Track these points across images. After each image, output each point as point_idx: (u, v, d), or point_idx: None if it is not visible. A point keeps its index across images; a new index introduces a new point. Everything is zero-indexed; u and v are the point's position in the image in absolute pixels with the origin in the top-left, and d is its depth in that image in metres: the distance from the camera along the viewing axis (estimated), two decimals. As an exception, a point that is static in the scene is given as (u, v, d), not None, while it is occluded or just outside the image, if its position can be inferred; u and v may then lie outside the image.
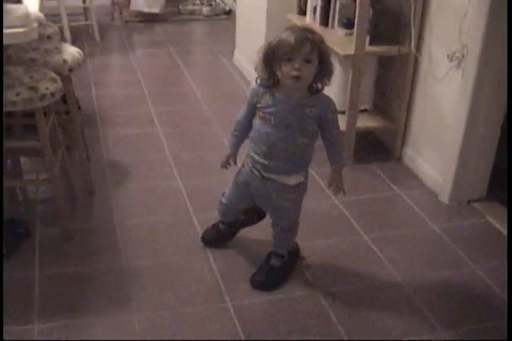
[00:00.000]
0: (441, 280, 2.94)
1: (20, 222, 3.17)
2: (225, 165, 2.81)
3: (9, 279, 2.81)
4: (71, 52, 3.32)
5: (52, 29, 3.50)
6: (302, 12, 4.40)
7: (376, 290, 2.87)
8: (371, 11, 3.61)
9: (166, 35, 6.91)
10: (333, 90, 4.03)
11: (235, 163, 2.81)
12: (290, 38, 2.36)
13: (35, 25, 2.72)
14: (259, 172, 2.65)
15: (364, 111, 4.03)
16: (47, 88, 2.81)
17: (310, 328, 2.62)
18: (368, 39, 3.65)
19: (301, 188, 2.72)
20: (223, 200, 2.93)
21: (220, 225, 3.08)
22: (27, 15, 2.66)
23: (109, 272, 2.92)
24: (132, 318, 2.63)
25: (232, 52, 5.92)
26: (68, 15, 6.21)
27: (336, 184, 2.73)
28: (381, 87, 4.12)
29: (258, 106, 2.57)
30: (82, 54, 3.39)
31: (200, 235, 3.15)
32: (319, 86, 2.51)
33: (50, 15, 5.17)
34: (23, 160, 3.86)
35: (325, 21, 4.10)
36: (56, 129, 3.17)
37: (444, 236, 3.26)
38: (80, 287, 2.81)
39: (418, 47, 3.68)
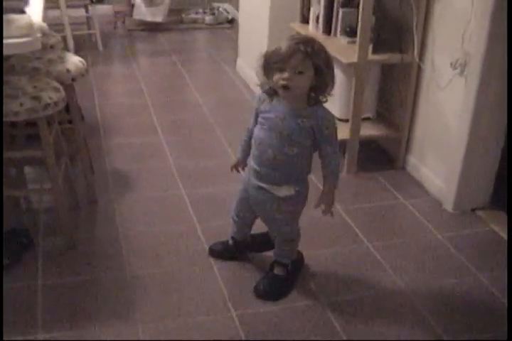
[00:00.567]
0: (446, 288, 2.93)
1: (23, 232, 3.16)
2: (233, 167, 2.85)
3: (12, 289, 2.81)
4: (74, 61, 3.33)
5: (55, 39, 3.50)
6: (305, 20, 4.40)
7: (380, 298, 2.85)
8: (374, 19, 3.62)
9: (168, 44, 6.92)
10: (336, 98, 4.04)
11: (243, 169, 2.82)
12: (283, 47, 2.36)
13: (39, 35, 2.72)
14: (253, 177, 2.66)
15: (367, 119, 4.03)
16: (50, 98, 2.81)
17: (314, 337, 2.60)
18: (370, 47, 3.65)
19: (292, 202, 2.68)
20: (232, 214, 2.92)
21: (230, 241, 3.05)
22: (30, 25, 2.66)
23: (113, 281, 2.91)
24: (136, 329, 2.62)
25: (235, 61, 5.93)
26: (71, 24, 6.23)
27: (325, 205, 2.66)
28: (384, 95, 4.12)
29: (259, 111, 2.59)
30: (85, 63, 3.39)
31: (204, 244, 3.14)
32: (319, 98, 2.49)
33: (53, 24, 5.20)
34: (26, 169, 3.85)
35: (328, 29, 4.11)
36: (59, 139, 3.17)
37: (448, 244, 3.25)
38: (83, 297, 2.80)
39: (421, 55, 3.68)
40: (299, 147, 2.54)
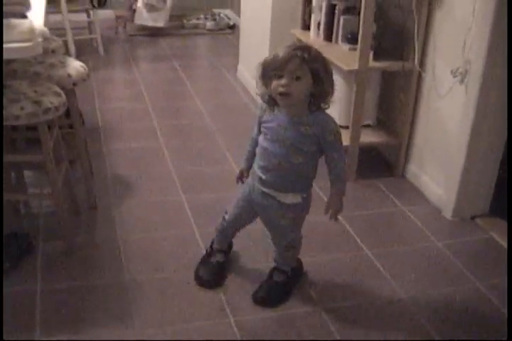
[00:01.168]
0: (445, 296, 2.92)
1: (23, 236, 3.16)
2: (238, 179, 2.84)
3: (12, 293, 2.81)
4: (75, 66, 3.33)
5: (56, 43, 3.51)
6: (306, 27, 4.41)
7: (379, 306, 2.85)
8: (375, 26, 3.63)
9: (169, 49, 6.93)
10: (337, 105, 4.05)
11: (242, 182, 2.82)
12: (279, 54, 2.37)
13: (40, 39, 2.73)
14: (258, 185, 2.65)
15: (367, 126, 4.03)
16: (51, 102, 2.81)
17: (313, 344, 2.61)
18: (371, 54, 3.66)
19: (298, 208, 2.69)
20: (226, 217, 2.89)
21: (217, 255, 3.01)
22: (32, 30, 2.67)
23: (112, 286, 2.91)
24: (135, 334, 2.61)
25: (236, 67, 5.94)
26: (72, 29, 6.24)
27: (332, 210, 2.67)
28: (385, 102, 4.12)
29: (262, 120, 2.58)
30: (86, 68, 3.39)
31: (203, 249, 3.14)
32: (320, 105, 2.48)
33: (55, 29, 5.20)
34: (26, 173, 3.85)
35: (329, 36, 4.12)
36: (59, 143, 3.17)
37: (448, 252, 3.25)
38: (82, 301, 2.80)
39: (422, 63, 3.69)
40: (303, 155, 2.53)
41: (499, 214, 3.53)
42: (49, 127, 2.93)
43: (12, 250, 3.02)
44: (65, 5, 6.03)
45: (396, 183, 3.96)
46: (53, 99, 2.84)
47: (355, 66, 3.62)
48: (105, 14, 7.26)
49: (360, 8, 3.55)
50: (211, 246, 3.05)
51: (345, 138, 3.80)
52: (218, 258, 3.01)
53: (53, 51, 3.45)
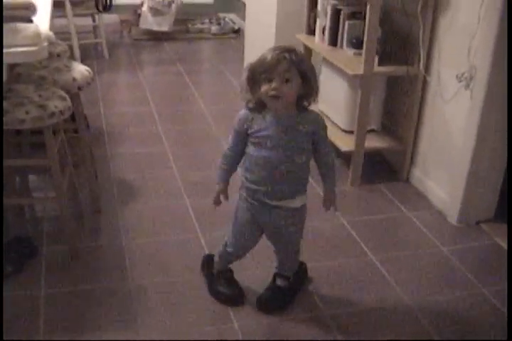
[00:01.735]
0: (450, 302, 2.91)
1: (27, 240, 3.16)
2: (218, 202, 2.70)
3: (15, 297, 2.81)
4: (80, 70, 3.34)
5: (61, 47, 3.51)
6: (311, 32, 4.41)
7: (383, 311, 2.84)
8: (380, 31, 3.62)
9: (174, 54, 6.94)
10: (341, 110, 4.06)
11: (226, 199, 2.70)
12: (267, 57, 2.35)
13: (46, 44, 2.72)
14: (261, 202, 2.58)
15: (372, 131, 4.03)
16: (56, 106, 2.81)
17: (317, 350, 2.60)
18: (376, 59, 3.66)
19: (304, 208, 2.68)
20: (229, 250, 2.78)
21: (228, 274, 2.94)
22: (37, 35, 2.67)
23: (116, 291, 2.91)
24: (138, 338, 2.61)
25: (241, 71, 5.94)
26: (78, 33, 6.26)
27: (331, 202, 2.70)
28: (389, 107, 4.12)
29: (250, 131, 2.49)
30: (91, 72, 3.40)
31: (205, 253, 3.14)
32: (306, 104, 2.49)
33: (60, 33, 5.20)
34: (31, 177, 3.86)
35: (334, 41, 4.11)
36: (64, 147, 3.17)
37: (453, 257, 3.24)
38: (86, 306, 2.80)
39: (427, 68, 3.69)
40: (305, 153, 2.53)
41: (504, 219, 3.52)
42: (54, 131, 2.93)
43: (16, 254, 3.02)
44: (70, 9, 6.05)
45: (401, 188, 3.95)
46: (58, 103, 2.84)
47: (360, 71, 3.62)
48: (110, 18, 7.29)
49: (365, 13, 3.54)
50: (212, 270, 2.95)
51: (350, 143, 3.84)
52: (228, 275, 2.93)
53: (58, 55, 3.44)
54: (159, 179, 3.99)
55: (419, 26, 3.58)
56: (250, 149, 2.53)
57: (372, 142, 3.95)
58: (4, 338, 2.46)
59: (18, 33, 2.63)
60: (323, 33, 4.21)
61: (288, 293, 2.87)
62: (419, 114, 3.84)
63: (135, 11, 7.44)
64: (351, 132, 3.91)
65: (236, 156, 2.61)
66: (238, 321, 2.73)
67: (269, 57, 2.34)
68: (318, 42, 4.28)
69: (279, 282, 2.88)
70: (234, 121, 2.54)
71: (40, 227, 3.41)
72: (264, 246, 2.84)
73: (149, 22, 7.31)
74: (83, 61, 5.69)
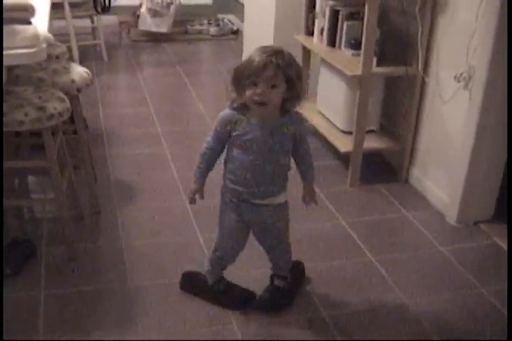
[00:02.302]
0: (448, 302, 2.92)
1: (26, 241, 3.16)
2: (193, 200, 2.68)
3: (14, 299, 2.81)
4: (79, 72, 3.34)
5: (60, 49, 3.50)
6: (310, 33, 4.41)
7: (383, 312, 2.84)
8: (378, 31, 3.63)
9: (173, 55, 6.94)
10: (340, 111, 4.06)
11: (202, 198, 2.68)
12: (254, 60, 2.30)
13: (44, 45, 2.73)
14: (247, 202, 2.58)
15: (371, 131, 4.03)
16: (55, 108, 2.82)
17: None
18: (375, 60, 3.66)
19: (287, 204, 2.69)
20: (218, 254, 2.76)
21: (225, 281, 2.90)
22: (36, 36, 2.67)
23: (115, 292, 2.91)
24: (138, 339, 2.61)
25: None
26: (76, 34, 6.26)
27: (310, 197, 2.72)
28: (388, 107, 4.12)
29: (234, 134, 2.46)
30: (90, 74, 3.40)
31: (206, 255, 3.13)
32: (291, 107, 2.46)
33: (59, 34, 5.22)
34: (30, 179, 3.86)
35: (332, 42, 4.12)
36: (63, 149, 3.17)
37: (451, 257, 3.25)
38: (85, 307, 2.80)
39: (425, 68, 3.69)
40: (287, 154, 2.54)
41: (503, 219, 3.52)
42: (53, 133, 2.94)
43: (15, 255, 3.03)
44: (69, 11, 6.04)
45: (399, 188, 3.96)
46: (57, 105, 2.84)
47: (359, 71, 3.62)
48: (109, 20, 7.28)
49: (363, 14, 3.55)
50: (206, 282, 2.89)
51: (349, 144, 3.84)
52: (223, 284, 2.89)
53: (57, 57, 3.44)
54: (158, 180, 3.99)
55: (417, 27, 3.58)
56: (235, 152, 2.50)
57: (371, 142, 3.96)
58: (4, 339, 2.46)
59: (16, 34, 2.63)
60: (322, 33, 4.22)
61: (287, 293, 2.87)
62: (418, 114, 3.84)
63: (134, 12, 7.44)
64: (350, 133, 3.92)
65: (214, 155, 2.59)
66: (237, 322, 2.73)
67: (256, 60, 2.29)
68: (317, 43, 4.29)
69: (277, 282, 2.88)
70: (216, 120, 2.52)
71: (39, 228, 3.41)
72: (256, 246, 2.84)
73: (148, 23, 7.31)
74: (82, 63, 5.69)
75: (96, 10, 6.40)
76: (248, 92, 2.34)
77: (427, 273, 3.13)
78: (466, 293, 2.98)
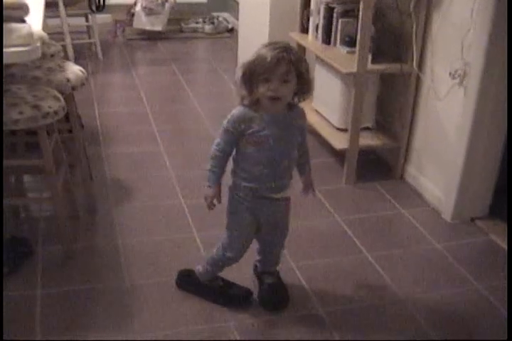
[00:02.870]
0: (445, 298, 2.92)
1: (22, 240, 3.16)
2: (212, 206, 2.59)
3: (11, 298, 2.80)
4: (74, 70, 3.34)
5: (55, 48, 3.51)
6: (304, 30, 4.42)
7: (379, 308, 2.85)
8: (373, 29, 3.63)
9: (168, 53, 6.94)
10: (335, 108, 4.06)
11: (219, 202, 2.59)
12: (266, 57, 2.30)
13: (39, 44, 2.72)
14: (264, 197, 2.57)
15: (366, 129, 4.03)
16: (50, 106, 2.81)
17: (313, 347, 2.60)
18: (370, 57, 3.66)
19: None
20: (229, 255, 2.70)
21: (220, 279, 2.89)
22: (30, 35, 2.67)
23: (112, 291, 2.91)
24: (135, 338, 2.61)
25: (234, 70, 5.93)
26: (71, 33, 6.25)
27: (311, 188, 2.77)
28: (383, 104, 4.13)
29: (250, 131, 2.44)
30: (85, 72, 3.40)
31: (203, 253, 3.14)
32: (296, 101, 2.50)
33: (53, 33, 5.21)
34: (26, 178, 3.85)
35: (327, 39, 4.12)
36: (59, 147, 3.17)
37: (447, 254, 3.25)
38: (82, 306, 2.80)
39: (420, 65, 3.69)
40: (297, 147, 2.58)
41: (499, 215, 3.54)
42: (48, 131, 2.93)
43: (11, 254, 3.02)
44: (63, 9, 6.04)
45: (395, 186, 3.96)
46: (52, 104, 2.84)
47: (354, 69, 3.62)
48: (104, 18, 7.29)
49: (358, 11, 3.55)
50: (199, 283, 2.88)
51: (344, 141, 3.84)
52: (220, 282, 2.89)
53: (52, 55, 3.45)
54: (154, 178, 3.99)
55: (412, 24, 3.58)
56: (249, 149, 2.49)
57: (367, 140, 3.96)
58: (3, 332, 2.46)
59: (10, 33, 2.62)
60: (317, 31, 4.23)
61: (282, 288, 2.87)
62: (413, 111, 3.84)
63: (129, 10, 7.44)
64: (345, 130, 3.92)
65: (225, 157, 2.56)
66: (234, 320, 2.73)
67: (268, 57, 2.30)
68: (312, 41, 4.29)
69: (269, 280, 2.86)
70: (226, 121, 2.49)
71: (35, 227, 3.40)
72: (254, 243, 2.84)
73: (143, 22, 7.31)
74: (77, 61, 5.68)
75: (91, 8, 6.40)
76: (262, 89, 2.35)
77: (423, 270, 3.13)
78: (462, 289, 2.99)
